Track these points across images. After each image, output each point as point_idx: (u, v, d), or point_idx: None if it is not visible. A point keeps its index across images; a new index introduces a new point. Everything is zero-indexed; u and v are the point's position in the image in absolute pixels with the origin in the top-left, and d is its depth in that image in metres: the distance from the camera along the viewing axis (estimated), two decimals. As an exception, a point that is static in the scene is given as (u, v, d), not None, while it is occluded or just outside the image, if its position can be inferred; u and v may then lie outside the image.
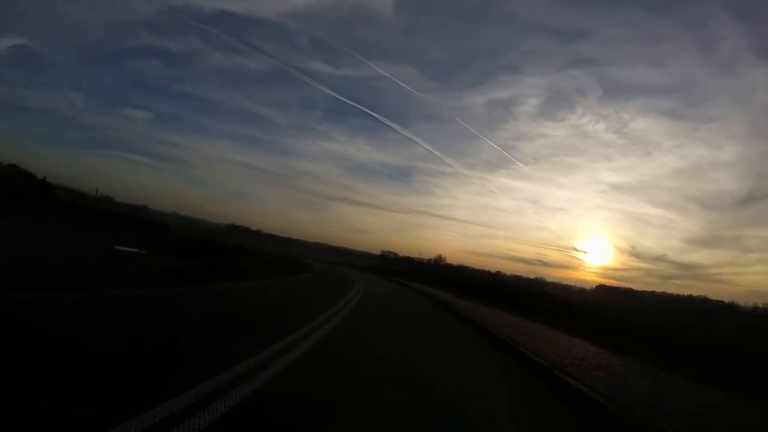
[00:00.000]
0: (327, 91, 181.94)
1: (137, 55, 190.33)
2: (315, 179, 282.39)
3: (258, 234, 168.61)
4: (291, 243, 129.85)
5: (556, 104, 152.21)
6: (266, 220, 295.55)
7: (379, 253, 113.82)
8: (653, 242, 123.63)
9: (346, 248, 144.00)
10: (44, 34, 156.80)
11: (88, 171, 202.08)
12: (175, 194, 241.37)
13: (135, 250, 14.21)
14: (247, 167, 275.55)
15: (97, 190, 66.36)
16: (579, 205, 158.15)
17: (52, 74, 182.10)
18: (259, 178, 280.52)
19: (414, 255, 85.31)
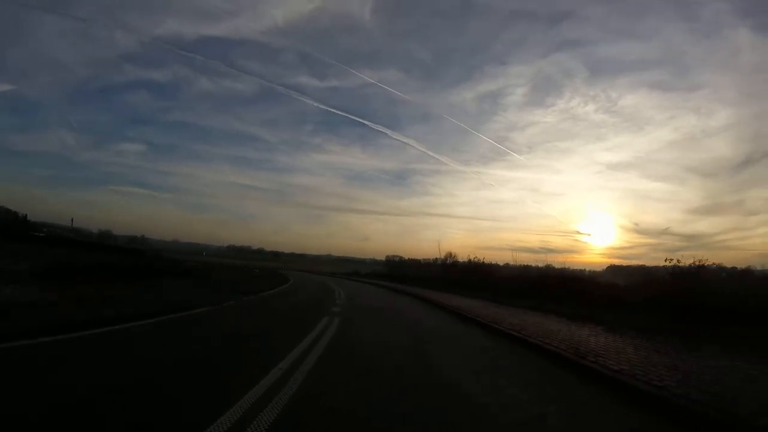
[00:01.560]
0: (315, 104, 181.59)
1: (124, 88, 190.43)
2: (313, 192, 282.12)
3: (260, 252, 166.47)
4: (276, 255, 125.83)
5: (543, 90, 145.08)
6: (268, 238, 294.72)
7: (384, 258, 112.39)
8: (656, 217, 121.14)
9: (351, 257, 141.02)
10: (30, 77, 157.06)
11: (84, 207, 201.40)
12: (175, 222, 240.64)
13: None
14: (244, 188, 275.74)
15: (72, 220, 63.26)
16: (577, 189, 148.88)
17: (41, 116, 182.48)
18: (257, 197, 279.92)
19: (420, 257, 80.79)
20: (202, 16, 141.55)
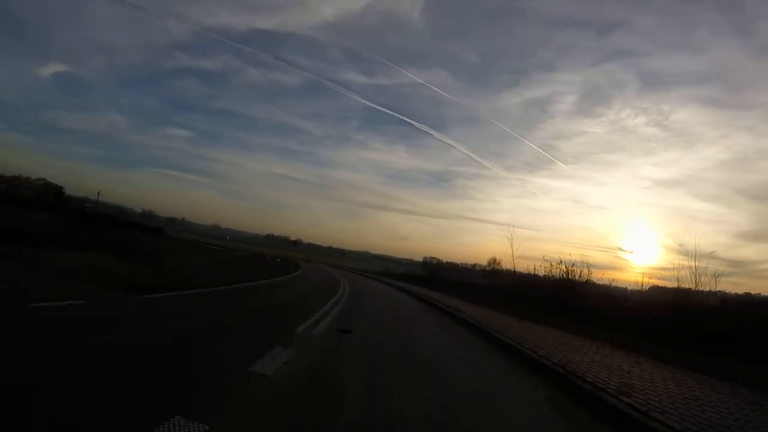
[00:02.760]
0: (362, 101, 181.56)
1: (175, 75, 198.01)
2: (354, 188, 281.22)
3: (297, 243, 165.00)
4: (295, 243, 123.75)
5: (593, 100, 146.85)
6: (306, 230, 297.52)
7: (421, 259, 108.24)
8: (701, 239, 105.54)
9: (388, 256, 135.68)
10: (84, 60, 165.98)
11: (131, 187, 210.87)
12: (216, 207, 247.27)
13: None
14: (286, 179, 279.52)
15: (98, 193, 65.36)
16: (622, 203, 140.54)
17: (93, 98, 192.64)
18: (298, 189, 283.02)
19: (458, 260, 73.40)
20: (253, 9, 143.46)
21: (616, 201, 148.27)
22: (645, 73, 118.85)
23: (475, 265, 74.37)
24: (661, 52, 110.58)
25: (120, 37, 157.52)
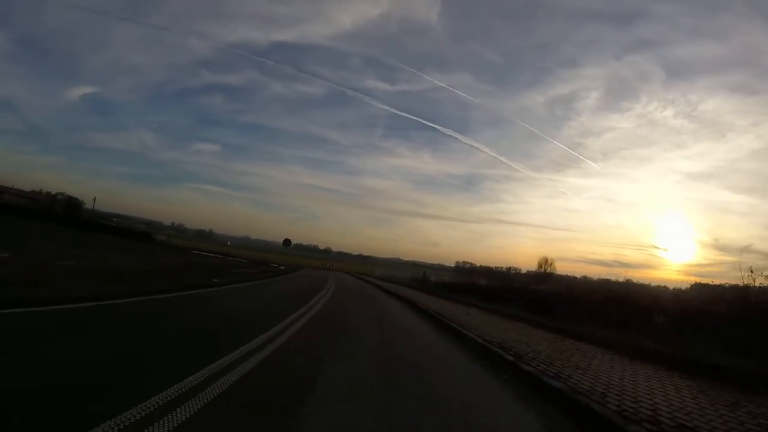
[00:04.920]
0: (386, 108, 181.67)
1: (200, 92, 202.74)
2: (383, 195, 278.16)
3: (326, 252, 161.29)
4: (325, 252, 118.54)
5: (618, 94, 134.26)
6: (336, 239, 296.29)
7: (453, 264, 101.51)
8: (736, 232, 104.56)
9: (419, 262, 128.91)
10: (111, 81, 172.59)
11: (162, 202, 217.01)
12: (246, 219, 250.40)
13: None
14: (315, 188, 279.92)
15: (94, 199, 65.48)
16: (654, 199, 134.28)
17: (122, 117, 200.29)
18: (327, 198, 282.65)
19: (492, 264, 65.50)
20: (271, 23, 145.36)
21: (647, 197, 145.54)
22: (670, 62, 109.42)
23: (510, 268, 66.34)
24: (685, 40, 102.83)
25: (144, 57, 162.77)
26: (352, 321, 9.19)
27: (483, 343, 7.02)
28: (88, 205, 67.25)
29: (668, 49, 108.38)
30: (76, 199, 64.40)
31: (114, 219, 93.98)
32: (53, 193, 66.77)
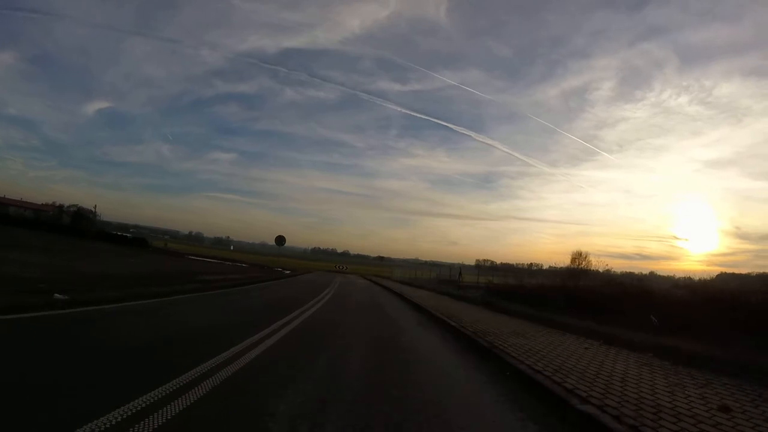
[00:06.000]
0: (399, 109, 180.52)
1: (214, 101, 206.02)
2: (400, 196, 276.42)
3: (344, 255, 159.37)
4: (342, 255, 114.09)
5: (632, 83, 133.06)
6: (355, 241, 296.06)
7: (473, 263, 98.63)
8: (758, 220, 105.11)
9: (439, 262, 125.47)
10: (126, 95, 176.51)
11: (180, 212, 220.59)
12: (264, 225, 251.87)
13: None
14: (331, 192, 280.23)
15: (95, 206, 65.38)
16: (673, 189, 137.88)
17: (138, 130, 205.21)
18: (345, 201, 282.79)
19: (512, 261, 61.59)
20: (281, 30, 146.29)
21: (666, 187, 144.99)
22: (682, 48, 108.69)
23: (531, 264, 62.85)
24: (697, 24, 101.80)
25: (158, 70, 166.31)
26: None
27: None
28: (105, 217, 68.02)
29: (680, 34, 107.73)
30: (89, 210, 64.91)
31: (131, 229, 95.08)
32: (66, 205, 67.54)
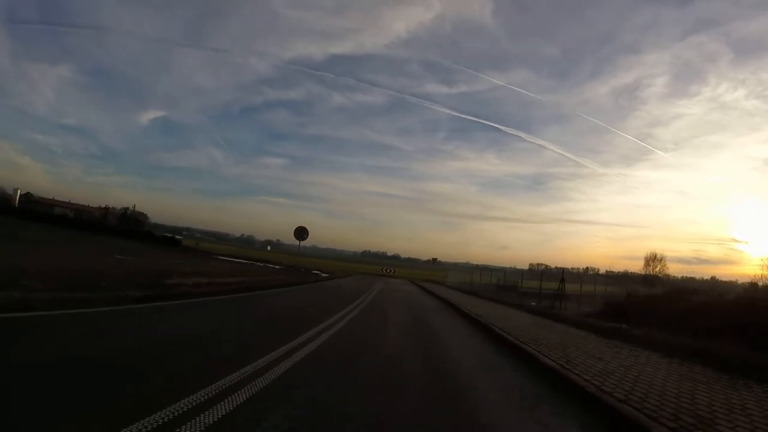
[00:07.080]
0: (446, 111, 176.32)
1: (264, 108, 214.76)
2: (449, 199, 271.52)
3: (394, 258, 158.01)
4: (411, 261, 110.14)
5: (685, 78, 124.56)
6: (404, 245, 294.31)
7: (526, 267, 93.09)
8: None
9: (490, 266, 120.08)
10: (179, 104, 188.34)
11: (232, 216, 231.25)
12: (315, 228, 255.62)
13: None
14: (381, 195, 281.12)
15: (134, 206, 69.52)
16: (731, 189, 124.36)
17: (191, 137, 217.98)
18: (394, 205, 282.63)
19: (568, 266, 55.88)
20: (327, 37, 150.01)
21: (723, 187, 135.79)
22: (736, 39, 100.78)
23: (587, 268, 58.10)
24: (750, 14, 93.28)
25: (208, 79, 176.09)
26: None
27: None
28: (159, 220, 73.16)
29: (733, 25, 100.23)
30: (140, 213, 70.25)
31: (183, 232, 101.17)
32: (119, 208, 73.33)
